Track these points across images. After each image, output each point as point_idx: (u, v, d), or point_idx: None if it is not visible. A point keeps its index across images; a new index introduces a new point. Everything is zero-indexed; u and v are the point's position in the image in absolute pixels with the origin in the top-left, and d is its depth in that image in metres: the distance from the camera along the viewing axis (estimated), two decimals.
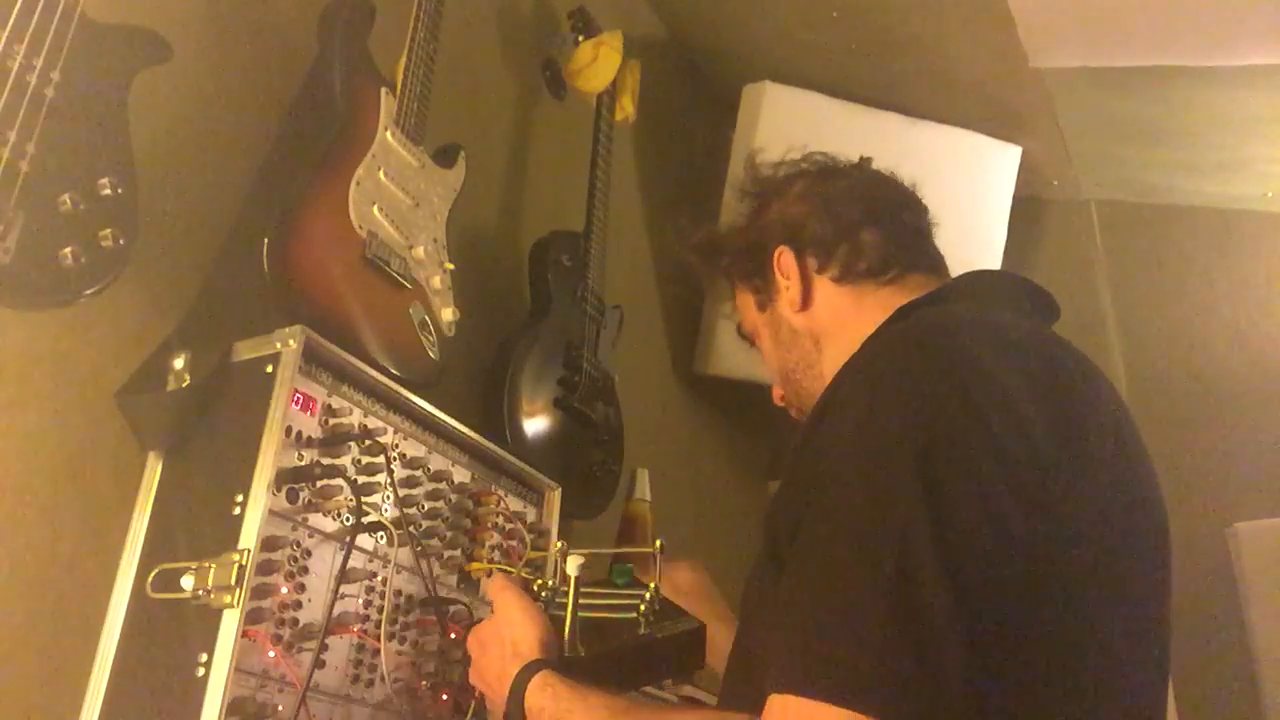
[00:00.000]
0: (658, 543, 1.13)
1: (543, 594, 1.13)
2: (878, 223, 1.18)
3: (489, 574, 1.34)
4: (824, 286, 1.17)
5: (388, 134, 1.35)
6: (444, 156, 1.49)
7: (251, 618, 0.99)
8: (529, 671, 0.99)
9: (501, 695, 1.01)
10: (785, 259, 1.19)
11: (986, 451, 0.77)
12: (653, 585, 1.12)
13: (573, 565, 1.06)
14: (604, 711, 0.92)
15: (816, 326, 1.17)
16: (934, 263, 1.19)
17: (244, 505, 1.02)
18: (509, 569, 1.34)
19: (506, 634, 1.05)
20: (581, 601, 1.07)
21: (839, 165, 1.28)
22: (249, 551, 0.99)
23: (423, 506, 1.27)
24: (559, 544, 1.15)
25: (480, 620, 1.18)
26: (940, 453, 0.76)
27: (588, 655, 1.05)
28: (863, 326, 1.05)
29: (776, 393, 1.28)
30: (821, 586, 0.75)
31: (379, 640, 1.15)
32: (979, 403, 0.79)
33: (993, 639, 0.72)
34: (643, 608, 1.09)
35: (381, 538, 1.17)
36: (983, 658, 0.71)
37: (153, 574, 1.03)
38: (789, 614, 0.76)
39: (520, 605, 1.07)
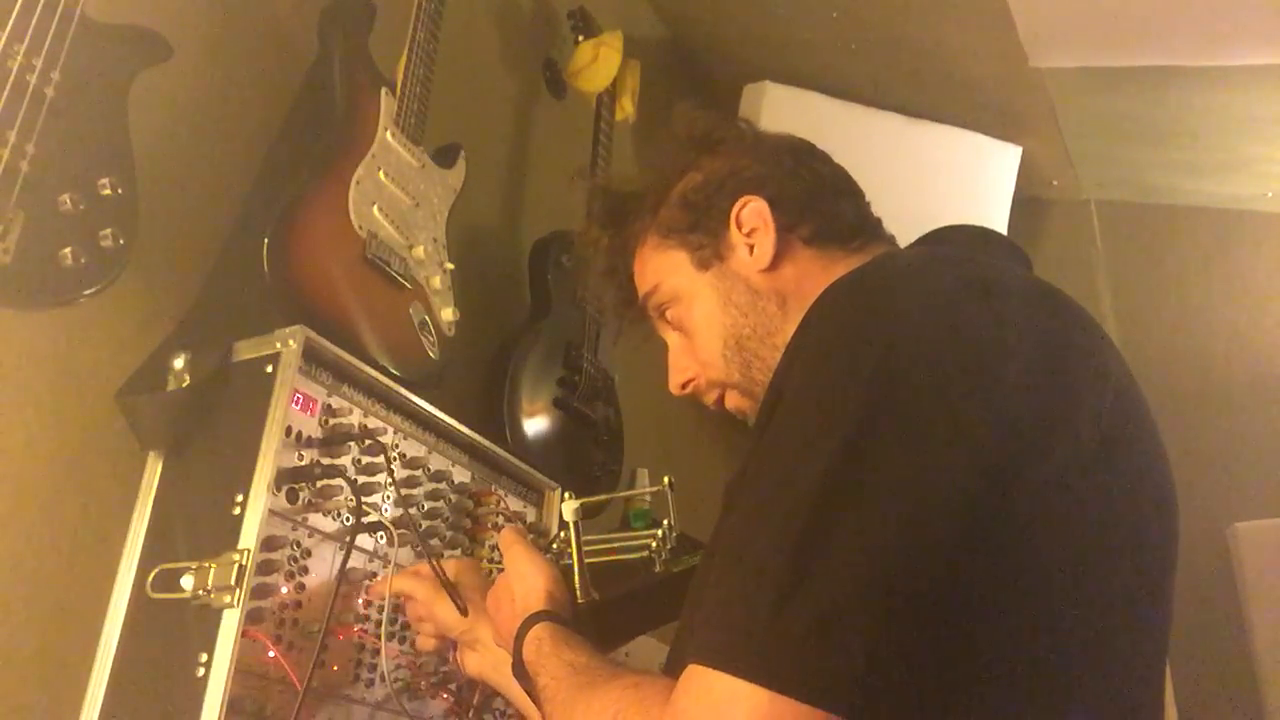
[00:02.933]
0: (665, 479, 1.10)
1: (555, 545, 1.11)
2: (845, 194, 1.11)
3: (489, 574, 1.34)
4: (793, 245, 1.05)
5: (388, 134, 1.35)
6: (444, 156, 1.49)
7: (251, 618, 0.99)
8: (526, 625, 0.97)
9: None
10: (755, 209, 1.06)
11: (942, 416, 0.70)
12: (666, 522, 1.08)
13: (568, 510, 1.01)
14: (566, 669, 0.90)
15: (783, 288, 1.04)
16: (894, 239, 1.11)
17: (244, 505, 1.02)
18: None
19: (517, 589, 1.02)
20: (597, 547, 1.04)
21: (790, 139, 1.16)
22: (249, 551, 0.99)
23: (423, 506, 1.27)
24: (568, 495, 1.07)
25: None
26: (883, 416, 0.69)
27: (600, 600, 1.02)
28: None
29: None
30: (733, 550, 0.71)
31: (379, 640, 1.15)
32: (941, 356, 0.72)
33: (925, 623, 0.66)
34: (654, 544, 1.05)
35: (381, 538, 1.17)
36: (914, 644, 0.65)
37: (153, 574, 1.03)
38: (707, 582, 0.73)
39: (527, 557, 1.04)
